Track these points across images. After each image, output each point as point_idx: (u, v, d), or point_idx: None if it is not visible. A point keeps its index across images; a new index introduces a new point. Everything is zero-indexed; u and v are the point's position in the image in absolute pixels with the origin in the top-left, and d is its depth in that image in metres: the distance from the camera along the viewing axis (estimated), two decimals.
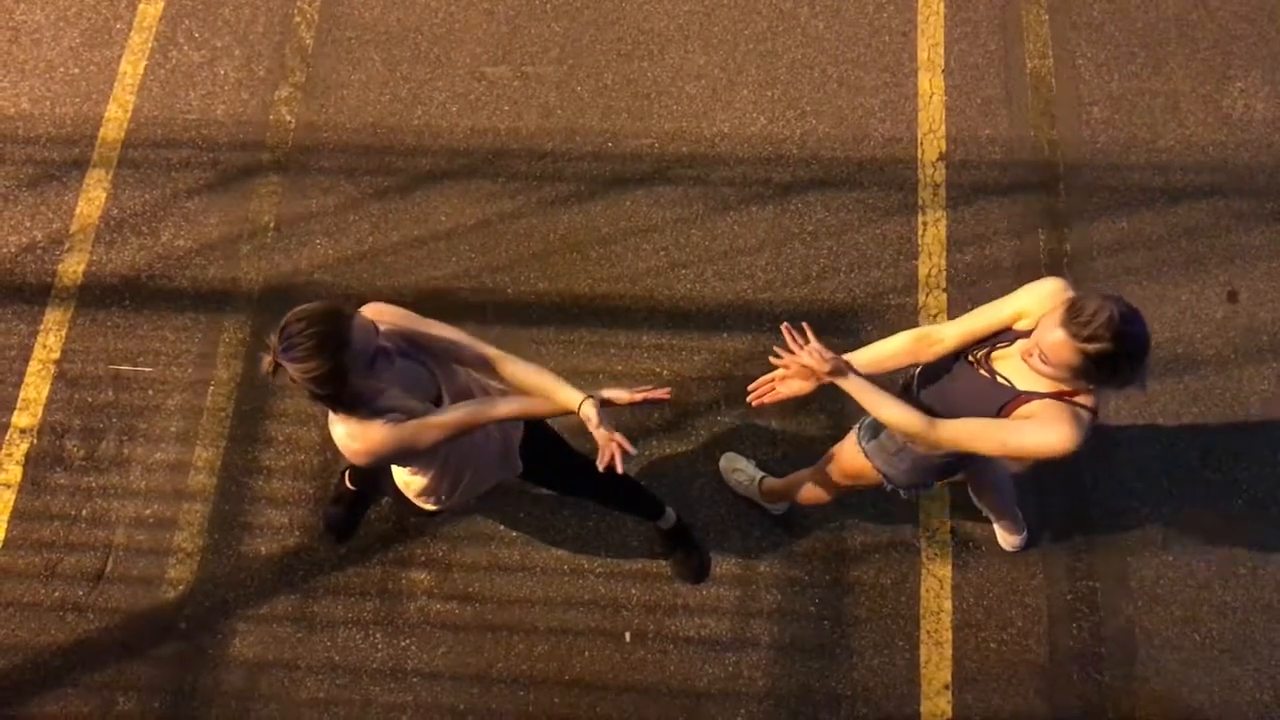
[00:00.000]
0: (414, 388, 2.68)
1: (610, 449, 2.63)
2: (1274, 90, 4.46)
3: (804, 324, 2.78)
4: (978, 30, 4.61)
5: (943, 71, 4.54)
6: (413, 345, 2.70)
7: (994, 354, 2.66)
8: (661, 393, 2.70)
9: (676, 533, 3.72)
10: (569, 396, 2.67)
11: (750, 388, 2.79)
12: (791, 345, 2.72)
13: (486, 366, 2.72)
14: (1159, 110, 4.44)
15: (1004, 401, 2.58)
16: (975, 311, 2.72)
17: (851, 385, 2.66)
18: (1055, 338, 2.39)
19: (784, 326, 2.74)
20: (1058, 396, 2.52)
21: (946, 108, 4.46)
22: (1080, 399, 2.52)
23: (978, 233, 4.23)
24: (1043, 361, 2.45)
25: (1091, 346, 2.35)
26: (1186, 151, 4.36)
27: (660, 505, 3.61)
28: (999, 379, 2.62)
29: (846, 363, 2.70)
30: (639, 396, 2.69)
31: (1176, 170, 4.33)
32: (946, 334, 2.73)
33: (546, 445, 3.26)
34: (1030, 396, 2.55)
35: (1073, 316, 2.37)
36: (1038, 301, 2.58)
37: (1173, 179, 4.31)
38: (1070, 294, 2.54)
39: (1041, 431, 2.50)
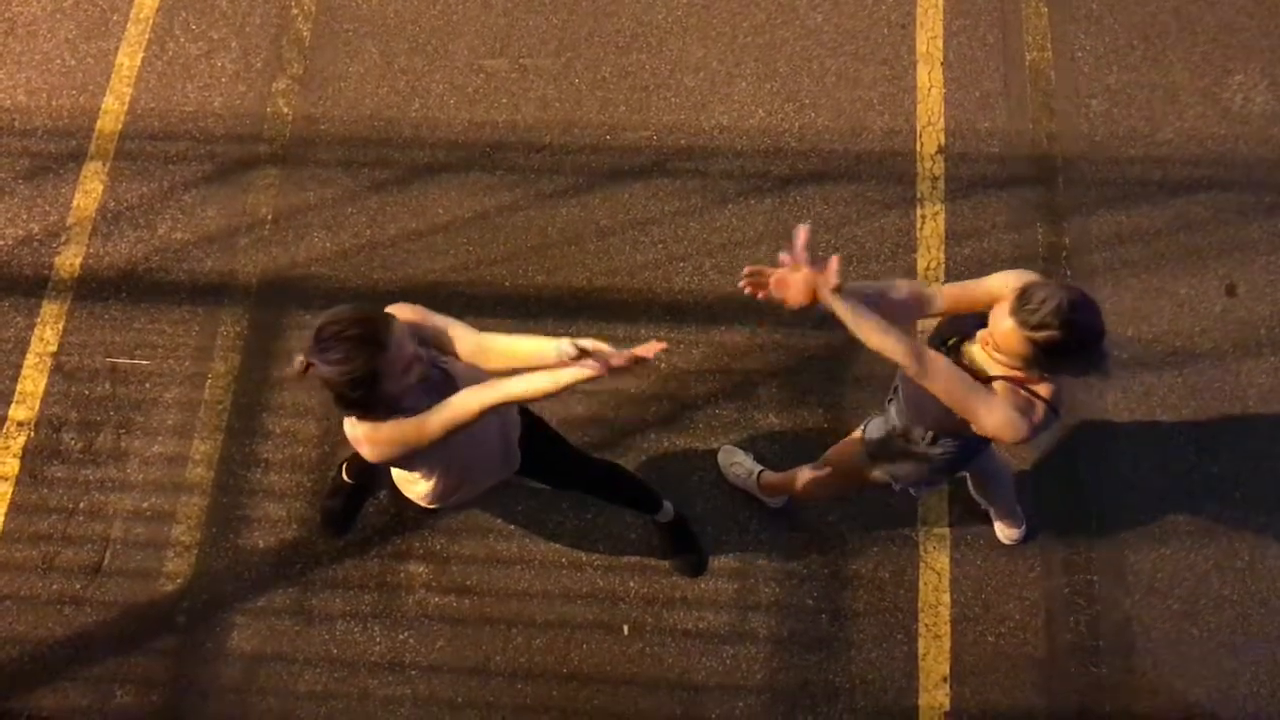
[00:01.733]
0: (432, 388, 2.65)
1: (640, 352, 2.36)
2: (1273, 83, 4.45)
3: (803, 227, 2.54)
4: (976, 23, 4.60)
5: (941, 64, 4.53)
6: (428, 344, 2.66)
7: (965, 343, 2.68)
8: (651, 348, 2.36)
9: (674, 526, 3.72)
10: (557, 348, 2.44)
11: (746, 270, 2.53)
12: (798, 255, 2.48)
13: (479, 352, 2.60)
14: (1158, 103, 4.43)
15: None
16: (960, 283, 2.68)
17: (843, 309, 2.45)
18: (1004, 326, 2.40)
19: (801, 227, 2.50)
20: (1013, 382, 2.53)
21: (945, 100, 4.45)
22: (1037, 388, 2.52)
23: (976, 226, 4.23)
24: (996, 349, 2.46)
25: (1039, 334, 2.36)
26: (1185, 145, 4.35)
27: (658, 499, 3.60)
28: (963, 364, 2.62)
29: (840, 289, 2.47)
30: (622, 359, 2.37)
31: (1175, 163, 4.32)
32: (938, 298, 2.66)
33: (543, 441, 3.25)
34: (990, 380, 2.56)
35: (1021, 304, 2.38)
36: (1006, 290, 2.55)
37: (1171, 172, 4.31)
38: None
39: (990, 411, 2.49)
